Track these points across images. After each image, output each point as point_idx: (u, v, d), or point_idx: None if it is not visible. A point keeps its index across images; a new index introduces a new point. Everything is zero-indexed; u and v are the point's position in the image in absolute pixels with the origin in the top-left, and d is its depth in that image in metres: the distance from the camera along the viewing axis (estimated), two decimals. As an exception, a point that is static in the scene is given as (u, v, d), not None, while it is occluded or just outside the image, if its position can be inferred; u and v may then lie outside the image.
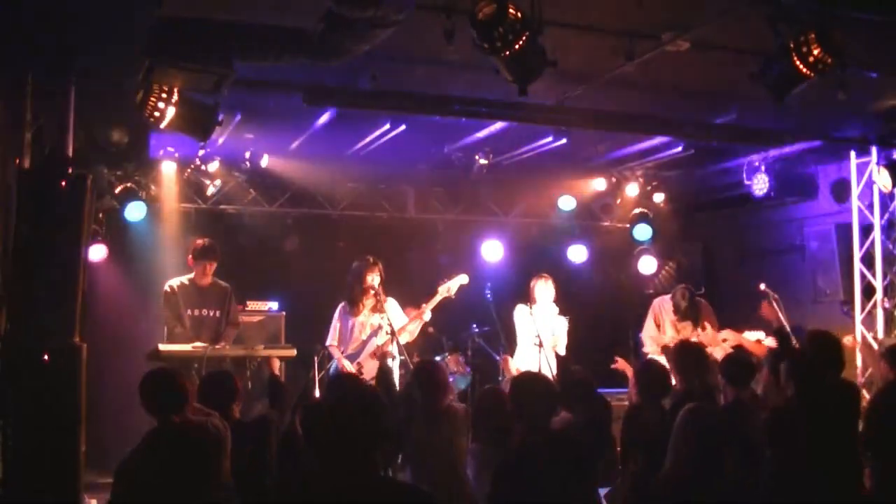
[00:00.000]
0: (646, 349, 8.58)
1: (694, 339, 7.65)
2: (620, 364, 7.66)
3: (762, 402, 5.67)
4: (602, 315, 10.83)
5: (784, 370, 5.30)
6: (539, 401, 4.51)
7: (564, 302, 8.65)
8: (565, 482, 4.21)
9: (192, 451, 4.23)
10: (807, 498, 4.69)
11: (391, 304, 7.74)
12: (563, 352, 8.31)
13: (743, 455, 4.56)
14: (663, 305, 8.62)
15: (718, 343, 7.59)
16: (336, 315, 7.80)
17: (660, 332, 8.51)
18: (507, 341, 8.54)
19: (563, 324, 8.35)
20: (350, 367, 7.53)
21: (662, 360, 8.15)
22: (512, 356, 8.34)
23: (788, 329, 7.63)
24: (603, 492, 5.12)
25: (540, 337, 7.91)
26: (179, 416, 4.40)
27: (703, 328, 7.96)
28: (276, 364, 6.45)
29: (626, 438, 5.16)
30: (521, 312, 8.37)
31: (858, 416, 5.25)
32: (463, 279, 7.99)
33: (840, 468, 4.82)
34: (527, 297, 8.44)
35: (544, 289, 8.35)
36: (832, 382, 5.42)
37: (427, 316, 7.84)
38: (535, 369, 7.58)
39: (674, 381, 5.84)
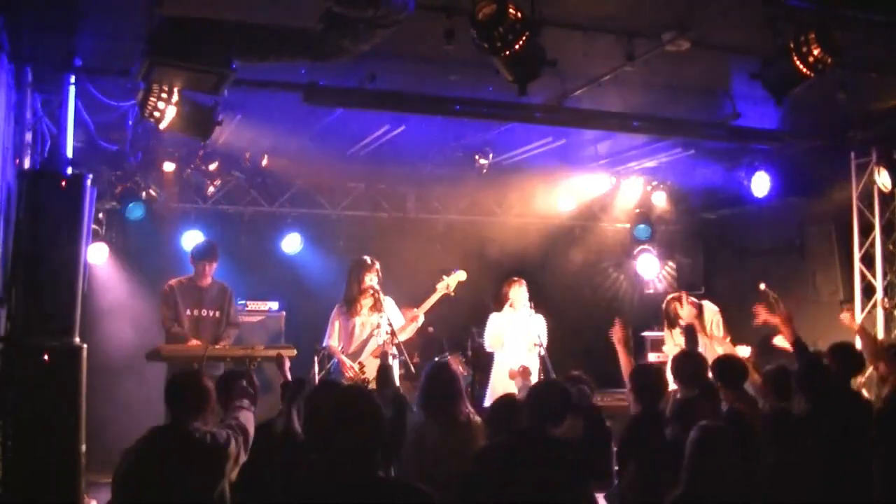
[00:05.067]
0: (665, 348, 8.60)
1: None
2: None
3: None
4: (601, 316, 10.81)
5: (795, 381, 5.31)
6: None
7: (565, 302, 8.62)
8: (552, 481, 4.25)
9: (183, 460, 4.22)
10: (809, 499, 4.69)
11: (389, 304, 7.71)
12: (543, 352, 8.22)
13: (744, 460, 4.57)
14: (669, 306, 8.55)
15: (732, 349, 7.51)
16: (333, 315, 7.76)
17: (670, 333, 8.47)
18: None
19: (542, 323, 8.22)
20: (354, 367, 7.48)
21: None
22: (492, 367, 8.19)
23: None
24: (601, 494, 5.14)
25: (539, 339, 7.87)
26: (194, 422, 4.36)
27: (708, 336, 7.89)
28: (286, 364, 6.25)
29: (624, 450, 5.17)
30: (500, 319, 8.25)
31: (868, 424, 5.25)
32: (461, 275, 7.92)
33: (846, 473, 4.83)
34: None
35: (520, 292, 8.23)
36: (845, 391, 5.45)
37: (420, 318, 7.78)
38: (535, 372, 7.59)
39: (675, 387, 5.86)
